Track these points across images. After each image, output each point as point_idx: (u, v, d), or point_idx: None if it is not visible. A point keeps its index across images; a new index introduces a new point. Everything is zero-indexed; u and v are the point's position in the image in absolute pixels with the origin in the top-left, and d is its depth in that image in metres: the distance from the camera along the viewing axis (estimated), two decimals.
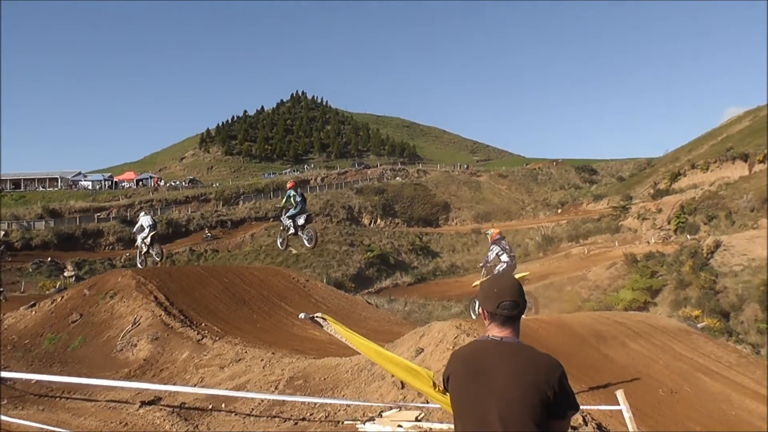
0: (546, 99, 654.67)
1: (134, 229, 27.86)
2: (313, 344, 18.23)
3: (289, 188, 21.74)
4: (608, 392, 9.84)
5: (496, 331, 3.50)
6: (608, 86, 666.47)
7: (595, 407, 9.11)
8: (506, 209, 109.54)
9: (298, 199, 21.17)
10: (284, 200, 21.66)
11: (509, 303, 3.45)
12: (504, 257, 16.40)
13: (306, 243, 21.41)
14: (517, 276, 15.63)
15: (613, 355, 12.84)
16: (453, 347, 11.12)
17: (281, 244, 22.96)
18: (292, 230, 21.17)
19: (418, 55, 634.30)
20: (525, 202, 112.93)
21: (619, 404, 7.88)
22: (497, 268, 16.30)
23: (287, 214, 21.26)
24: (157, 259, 26.98)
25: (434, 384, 4.82)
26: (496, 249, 16.51)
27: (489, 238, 17.26)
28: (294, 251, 75.31)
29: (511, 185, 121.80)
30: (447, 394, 3.68)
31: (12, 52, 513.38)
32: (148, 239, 26.09)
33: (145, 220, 26.73)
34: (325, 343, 18.17)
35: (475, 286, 17.67)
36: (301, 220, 20.99)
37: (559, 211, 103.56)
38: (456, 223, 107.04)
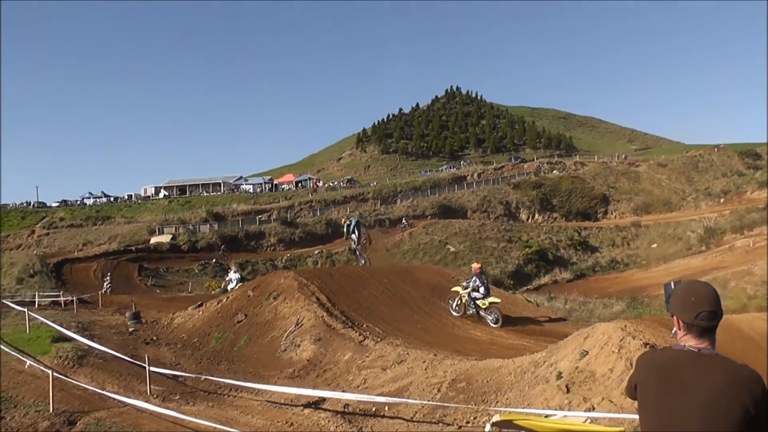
0: (706, 81, 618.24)
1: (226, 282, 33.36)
2: (475, 345, 18.03)
3: (344, 223, 32.73)
4: None
5: (692, 342, 3.39)
6: None
7: None
8: (666, 200, 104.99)
9: (353, 228, 31.28)
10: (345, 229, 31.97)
11: (708, 313, 3.36)
12: (482, 290, 21.40)
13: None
14: (488, 301, 21.26)
15: None
16: (618, 350, 10.83)
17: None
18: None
19: (572, 44, 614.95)
20: (686, 192, 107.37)
21: None
22: (473, 294, 21.49)
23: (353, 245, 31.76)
24: None
25: None
26: (476, 282, 21.48)
27: (472, 271, 22.30)
28: (452, 249, 75.37)
29: (671, 174, 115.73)
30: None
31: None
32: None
33: (234, 276, 31.99)
34: (486, 344, 17.97)
35: (454, 290, 22.61)
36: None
37: (722, 200, 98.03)
38: (615, 216, 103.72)
